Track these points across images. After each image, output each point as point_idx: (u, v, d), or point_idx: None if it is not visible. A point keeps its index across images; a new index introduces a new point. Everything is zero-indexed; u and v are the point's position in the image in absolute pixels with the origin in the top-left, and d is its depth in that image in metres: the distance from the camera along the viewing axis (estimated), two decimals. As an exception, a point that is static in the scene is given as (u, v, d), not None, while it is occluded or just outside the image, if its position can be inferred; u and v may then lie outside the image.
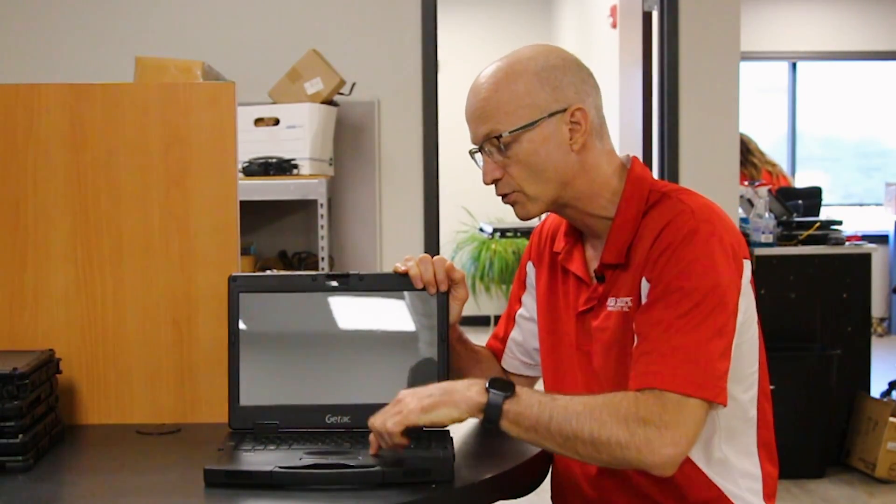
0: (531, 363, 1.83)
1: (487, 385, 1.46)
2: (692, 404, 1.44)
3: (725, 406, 1.49)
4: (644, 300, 1.54)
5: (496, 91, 1.58)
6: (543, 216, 1.75)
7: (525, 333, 1.82)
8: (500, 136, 1.57)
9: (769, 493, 1.65)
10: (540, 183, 1.59)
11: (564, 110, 1.57)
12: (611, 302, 1.60)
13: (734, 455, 1.61)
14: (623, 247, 1.59)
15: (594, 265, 1.65)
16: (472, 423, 1.79)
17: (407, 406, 1.44)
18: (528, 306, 1.82)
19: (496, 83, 1.58)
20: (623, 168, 1.65)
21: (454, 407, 1.44)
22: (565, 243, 1.71)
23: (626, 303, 1.58)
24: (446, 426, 1.47)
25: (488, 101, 1.58)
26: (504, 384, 1.46)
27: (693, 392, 1.44)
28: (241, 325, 1.69)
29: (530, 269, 1.82)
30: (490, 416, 1.44)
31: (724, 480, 1.59)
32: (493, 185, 1.63)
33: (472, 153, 1.65)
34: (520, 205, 1.63)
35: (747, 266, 1.56)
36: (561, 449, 1.46)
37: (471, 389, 1.46)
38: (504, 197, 1.63)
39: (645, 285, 1.55)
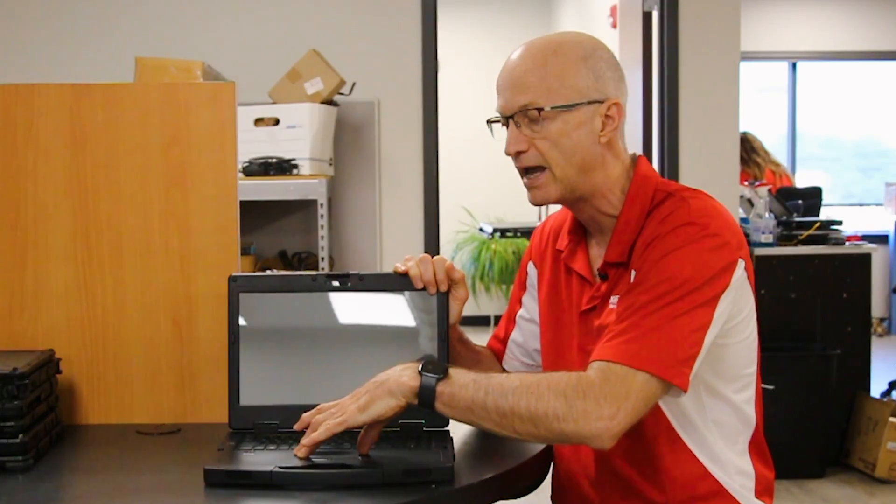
0: (532, 364, 1.83)
1: (420, 368, 1.45)
2: (640, 378, 1.42)
3: (685, 391, 1.45)
4: None
5: (542, 65, 1.57)
6: (544, 214, 1.74)
7: (525, 334, 1.82)
8: (541, 109, 1.56)
9: (761, 490, 1.64)
10: (567, 165, 1.59)
11: (602, 102, 1.58)
12: (613, 300, 1.60)
13: (730, 452, 1.61)
14: (626, 245, 1.59)
15: (598, 264, 1.65)
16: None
17: (345, 408, 1.45)
18: (529, 307, 1.82)
19: (543, 57, 1.58)
20: (631, 167, 1.65)
21: (390, 396, 1.43)
22: (569, 241, 1.71)
23: None
24: (389, 416, 1.45)
25: (531, 73, 1.57)
26: (437, 366, 1.45)
27: (641, 366, 1.42)
28: (241, 325, 1.69)
29: (531, 269, 1.82)
30: (424, 400, 1.43)
31: (723, 474, 1.60)
32: (511, 161, 1.62)
33: (490, 122, 1.65)
34: (542, 188, 1.61)
35: (741, 265, 1.53)
36: (498, 427, 1.43)
37: (403, 374, 1.45)
38: (526, 174, 1.62)
39: (634, 276, 1.55)
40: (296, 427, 1.50)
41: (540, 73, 1.57)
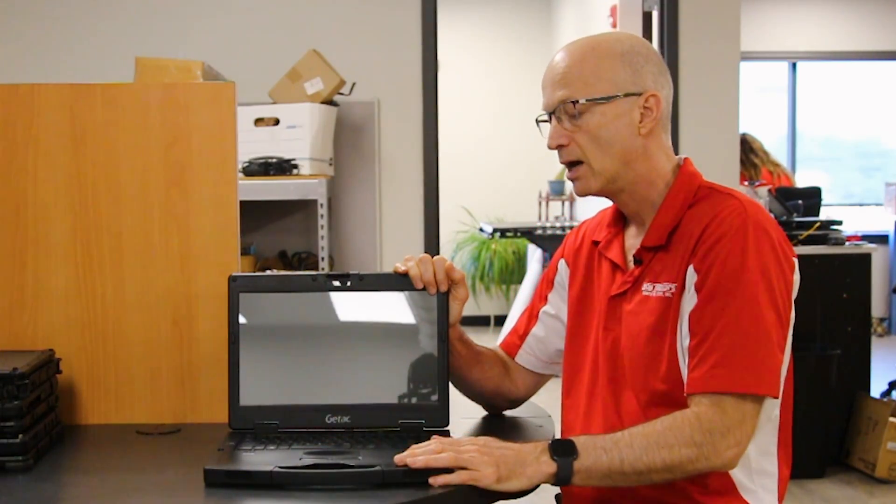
0: (547, 361, 1.84)
1: (552, 454, 1.46)
2: (749, 401, 1.50)
3: (777, 398, 1.55)
4: (689, 289, 1.57)
5: (581, 61, 1.63)
6: (560, 215, 1.76)
7: (548, 330, 1.83)
8: (577, 101, 1.62)
9: (782, 493, 1.67)
10: (605, 157, 1.64)
11: (640, 94, 1.63)
12: (647, 287, 1.63)
13: (755, 452, 1.62)
14: (665, 231, 1.63)
15: (633, 252, 1.68)
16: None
17: (482, 468, 1.42)
18: (555, 304, 1.83)
19: (583, 55, 1.64)
20: (678, 165, 1.70)
21: (527, 479, 1.45)
22: (607, 233, 1.75)
23: (669, 289, 1.60)
24: (513, 493, 1.46)
25: (571, 69, 1.64)
26: (566, 446, 1.47)
27: (749, 390, 1.50)
28: (241, 325, 1.69)
29: (562, 266, 1.83)
30: (563, 481, 1.47)
31: (739, 472, 1.60)
32: (555, 153, 1.68)
33: (539, 120, 1.70)
34: (582, 180, 1.67)
35: (796, 263, 1.61)
36: (636, 484, 1.50)
37: (540, 460, 1.46)
38: (569, 168, 1.68)
39: (692, 274, 1.57)
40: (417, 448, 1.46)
41: (578, 69, 1.64)
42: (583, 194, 1.70)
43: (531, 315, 1.86)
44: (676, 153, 1.72)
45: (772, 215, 1.64)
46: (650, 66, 1.64)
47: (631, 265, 1.67)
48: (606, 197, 1.72)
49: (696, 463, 1.48)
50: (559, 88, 1.64)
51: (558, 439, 1.50)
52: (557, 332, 1.81)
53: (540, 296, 1.86)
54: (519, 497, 1.56)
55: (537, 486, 1.47)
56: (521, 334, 1.86)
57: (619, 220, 1.74)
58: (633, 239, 1.71)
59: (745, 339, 1.50)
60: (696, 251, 1.57)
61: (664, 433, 1.48)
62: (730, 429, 1.48)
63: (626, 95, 1.62)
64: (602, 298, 1.70)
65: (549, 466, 1.46)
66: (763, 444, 1.63)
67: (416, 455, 1.43)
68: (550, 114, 1.67)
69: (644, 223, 1.68)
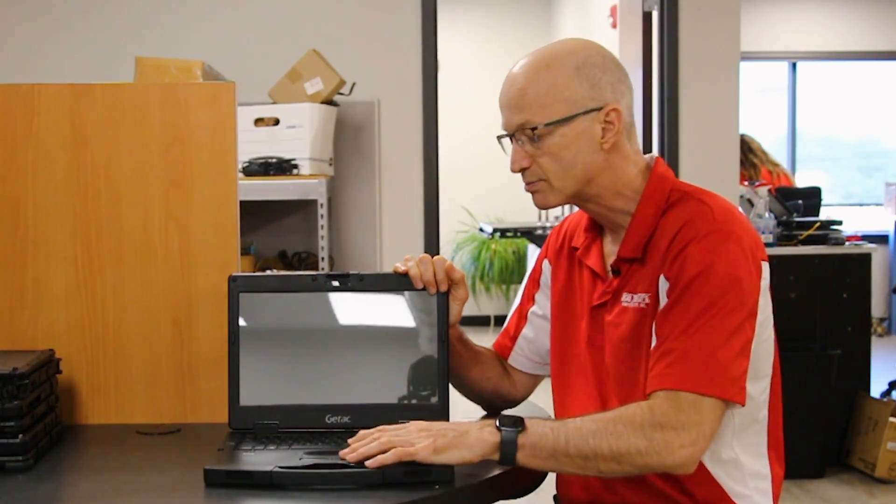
0: (539, 362, 1.83)
1: (497, 423, 1.47)
2: (708, 403, 1.47)
3: (744, 405, 1.51)
4: (662, 298, 1.56)
5: (535, 82, 1.59)
6: (560, 214, 1.75)
7: (537, 331, 1.83)
8: (535, 127, 1.58)
9: (777, 494, 1.66)
10: (567, 177, 1.61)
11: (600, 109, 1.59)
12: (626, 297, 1.62)
13: (745, 455, 1.61)
14: (640, 241, 1.60)
15: (611, 260, 1.66)
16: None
17: (419, 442, 1.43)
18: (542, 304, 1.82)
19: (535, 73, 1.59)
20: (647, 167, 1.66)
21: (468, 449, 1.44)
22: (585, 238, 1.73)
23: (644, 299, 1.59)
24: (456, 465, 1.45)
25: (526, 91, 1.59)
26: (513, 419, 1.47)
27: (709, 391, 1.47)
28: (241, 325, 1.69)
29: (546, 266, 1.82)
30: (506, 454, 1.45)
31: (730, 480, 1.60)
32: (518, 174, 1.65)
33: (500, 138, 1.67)
34: (541, 193, 1.64)
35: (766, 268, 1.58)
36: (581, 470, 1.48)
37: (483, 430, 1.46)
38: (528, 185, 1.66)
39: (663, 283, 1.56)
40: (351, 440, 1.47)
41: (533, 91, 1.59)
42: (543, 207, 1.68)
43: (521, 316, 1.86)
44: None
45: (747, 218, 1.62)
46: (607, 77, 1.60)
47: (610, 274, 1.66)
48: (576, 205, 1.70)
49: (645, 456, 1.44)
50: (516, 112, 1.60)
51: (507, 414, 1.50)
52: (547, 333, 1.81)
53: (528, 296, 1.85)
54: (518, 496, 1.56)
55: (481, 458, 1.44)
56: (511, 336, 1.86)
57: (596, 224, 1.72)
58: (610, 245, 1.69)
59: (705, 342, 1.48)
60: (666, 260, 1.56)
61: (614, 420, 1.46)
62: (684, 426, 1.45)
63: (586, 112, 1.58)
64: (584, 307, 1.69)
65: (493, 436, 1.45)
66: (753, 445, 1.63)
67: (354, 448, 1.44)
68: (510, 135, 1.63)
69: (617, 229, 1.66)
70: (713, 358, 1.48)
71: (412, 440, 1.43)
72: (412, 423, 1.49)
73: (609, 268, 1.66)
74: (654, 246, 1.59)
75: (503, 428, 1.46)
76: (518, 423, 1.47)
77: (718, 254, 1.51)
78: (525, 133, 1.60)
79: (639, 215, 1.62)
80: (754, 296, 1.53)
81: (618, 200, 1.64)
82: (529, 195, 1.67)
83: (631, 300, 1.61)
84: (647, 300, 1.58)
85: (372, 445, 1.43)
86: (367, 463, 1.41)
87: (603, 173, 1.62)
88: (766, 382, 1.64)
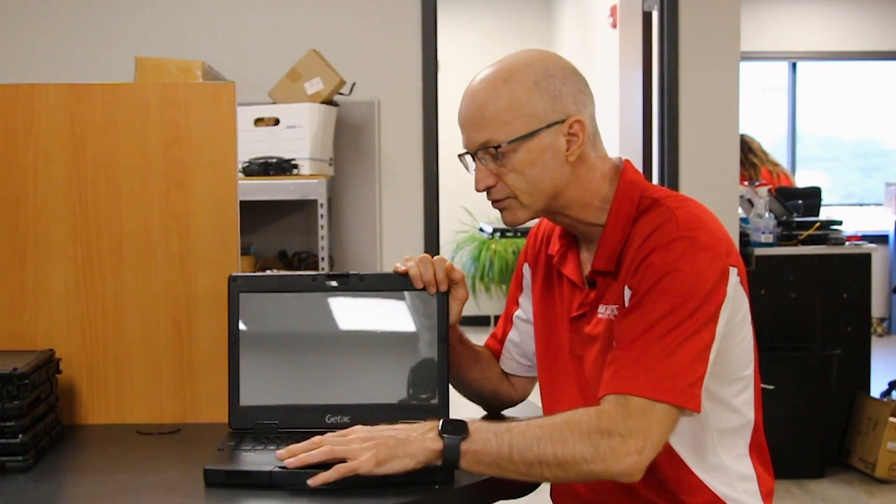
0: (529, 364, 1.82)
1: (440, 429, 1.43)
2: (659, 409, 1.43)
3: (698, 412, 1.46)
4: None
5: (494, 98, 1.55)
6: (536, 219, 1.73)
7: (522, 335, 1.82)
8: (499, 146, 1.55)
9: (766, 493, 1.65)
10: (535, 193, 1.58)
11: (563, 121, 1.56)
12: (602, 309, 1.60)
13: (730, 459, 1.61)
14: (613, 254, 1.58)
15: (587, 269, 1.64)
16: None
17: (360, 455, 1.40)
18: (525, 308, 1.82)
19: (494, 89, 1.55)
20: (615, 172, 1.63)
21: (410, 457, 1.41)
22: (560, 246, 1.70)
23: (613, 311, 1.57)
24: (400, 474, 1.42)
25: (485, 109, 1.55)
26: (456, 425, 1.44)
27: (659, 397, 1.43)
28: (241, 325, 1.69)
29: (526, 270, 1.81)
30: (449, 461, 1.42)
31: (720, 485, 1.59)
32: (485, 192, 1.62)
33: (461, 156, 1.63)
34: (510, 211, 1.61)
35: (733, 273, 1.53)
36: (526, 477, 1.44)
37: (425, 437, 1.43)
38: (495, 202, 1.62)
39: (627, 293, 1.54)
40: (296, 447, 1.45)
41: (493, 108, 1.54)
42: (513, 225, 1.64)
43: (507, 319, 1.84)
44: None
45: (715, 218, 1.58)
46: (568, 88, 1.56)
47: (587, 285, 1.64)
48: (545, 218, 1.68)
49: (590, 464, 1.40)
50: (477, 131, 1.56)
51: (451, 419, 1.46)
52: (531, 335, 1.79)
53: (512, 299, 1.84)
54: (518, 497, 1.56)
55: (424, 466, 1.42)
56: (499, 339, 1.85)
57: (570, 232, 1.69)
58: (586, 253, 1.66)
59: (658, 347, 1.45)
60: (630, 270, 1.54)
61: (560, 426, 1.42)
62: (632, 433, 1.40)
63: (549, 126, 1.54)
64: (564, 317, 1.67)
65: (435, 443, 1.42)
66: (735, 448, 1.62)
67: (295, 452, 1.42)
68: (472, 154, 1.59)
69: (591, 239, 1.64)
70: (665, 363, 1.44)
71: (354, 451, 1.41)
72: (356, 427, 1.46)
73: (585, 278, 1.64)
74: (625, 256, 1.56)
75: (445, 435, 1.43)
76: (462, 429, 1.43)
77: (679, 260, 1.48)
78: (489, 152, 1.56)
79: (609, 226, 1.59)
80: (716, 303, 1.48)
81: (587, 212, 1.61)
82: None
83: (605, 311, 1.59)
84: (616, 312, 1.56)
85: (313, 453, 1.41)
86: (310, 481, 1.39)
87: (570, 186, 1.59)
88: (744, 385, 1.61)
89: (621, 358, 1.47)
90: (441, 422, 1.45)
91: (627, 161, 1.66)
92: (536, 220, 1.76)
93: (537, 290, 1.76)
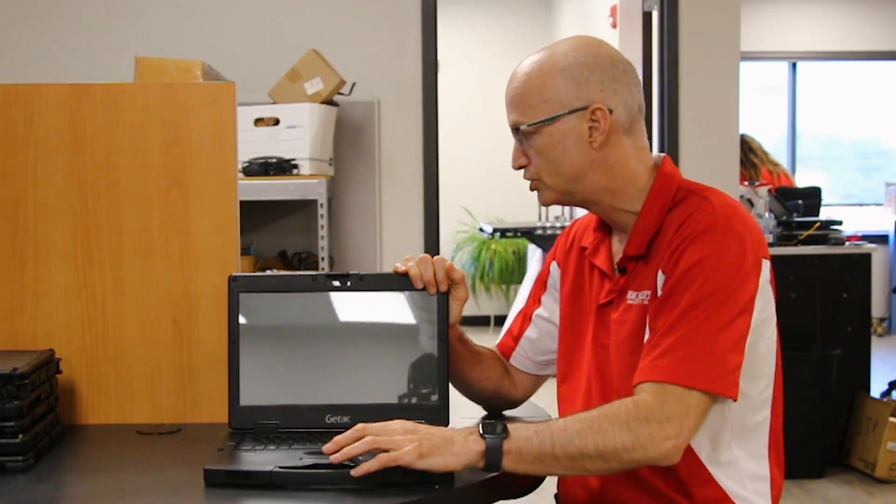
0: (541, 363, 1.83)
1: (481, 431, 1.45)
2: (695, 396, 1.46)
3: (736, 401, 1.50)
4: (660, 292, 1.56)
5: (525, 83, 1.63)
6: (560, 215, 1.75)
7: (541, 332, 1.83)
8: (521, 127, 1.63)
9: (776, 496, 1.66)
10: (556, 175, 1.64)
11: (585, 108, 1.60)
12: (631, 295, 1.62)
13: (744, 457, 1.61)
14: (645, 239, 1.61)
15: (619, 259, 1.67)
16: (471, 422, 1.79)
17: (403, 445, 1.41)
18: (548, 306, 1.82)
19: (528, 75, 1.63)
20: (654, 166, 1.67)
21: (453, 456, 1.42)
22: (594, 238, 1.73)
23: (645, 297, 1.59)
24: (439, 472, 1.43)
25: (518, 92, 1.64)
26: (496, 426, 1.46)
27: (696, 384, 1.46)
28: (242, 325, 1.69)
29: (554, 269, 1.83)
30: (492, 461, 1.44)
31: (729, 481, 1.59)
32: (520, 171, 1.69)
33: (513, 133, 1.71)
34: (539, 191, 1.68)
35: (766, 265, 1.57)
36: (569, 471, 1.47)
37: (468, 439, 1.44)
38: (529, 182, 1.69)
39: (661, 278, 1.56)
40: (340, 438, 1.44)
41: (523, 92, 1.63)
42: (544, 204, 1.72)
43: (525, 317, 1.86)
44: (677, 153, 1.72)
45: (750, 215, 1.62)
46: (597, 76, 1.60)
47: (617, 273, 1.66)
48: (580, 206, 1.71)
49: (631, 452, 1.44)
50: (510, 112, 1.65)
51: (489, 419, 1.49)
52: (550, 335, 1.81)
53: (534, 298, 1.86)
54: (518, 496, 1.56)
55: (465, 466, 1.43)
56: (514, 336, 1.86)
57: (605, 224, 1.72)
58: (618, 245, 1.69)
59: (695, 335, 1.48)
60: (665, 255, 1.56)
61: (599, 418, 1.45)
62: (669, 419, 1.44)
63: (571, 112, 1.60)
64: (592, 307, 1.70)
65: (478, 444, 1.44)
66: (752, 447, 1.63)
67: (340, 444, 1.42)
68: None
69: (624, 228, 1.67)
70: (703, 351, 1.47)
71: (397, 442, 1.42)
72: (397, 421, 1.47)
73: (616, 266, 1.66)
74: (658, 243, 1.60)
75: (487, 435, 1.44)
76: (502, 429, 1.45)
77: (714, 247, 1.51)
78: (518, 132, 1.64)
79: (644, 213, 1.62)
80: (750, 292, 1.52)
81: (622, 199, 1.64)
82: (529, 195, 1.70)
83: (635, 297, 1.61)
84: (648, 297, 1.59)
85: (356, 446, 1.42)
86: (353, 472, 1.39)
87: (595, 172, 1.62)
88: (766, 383, 1.63)
89: (658, 345, 1.50)
90: (480, 424, 1.47)
91: (667, 156, 1.71)
92: (567, 221, 1.78)
93: (567, 287, 1.77)
